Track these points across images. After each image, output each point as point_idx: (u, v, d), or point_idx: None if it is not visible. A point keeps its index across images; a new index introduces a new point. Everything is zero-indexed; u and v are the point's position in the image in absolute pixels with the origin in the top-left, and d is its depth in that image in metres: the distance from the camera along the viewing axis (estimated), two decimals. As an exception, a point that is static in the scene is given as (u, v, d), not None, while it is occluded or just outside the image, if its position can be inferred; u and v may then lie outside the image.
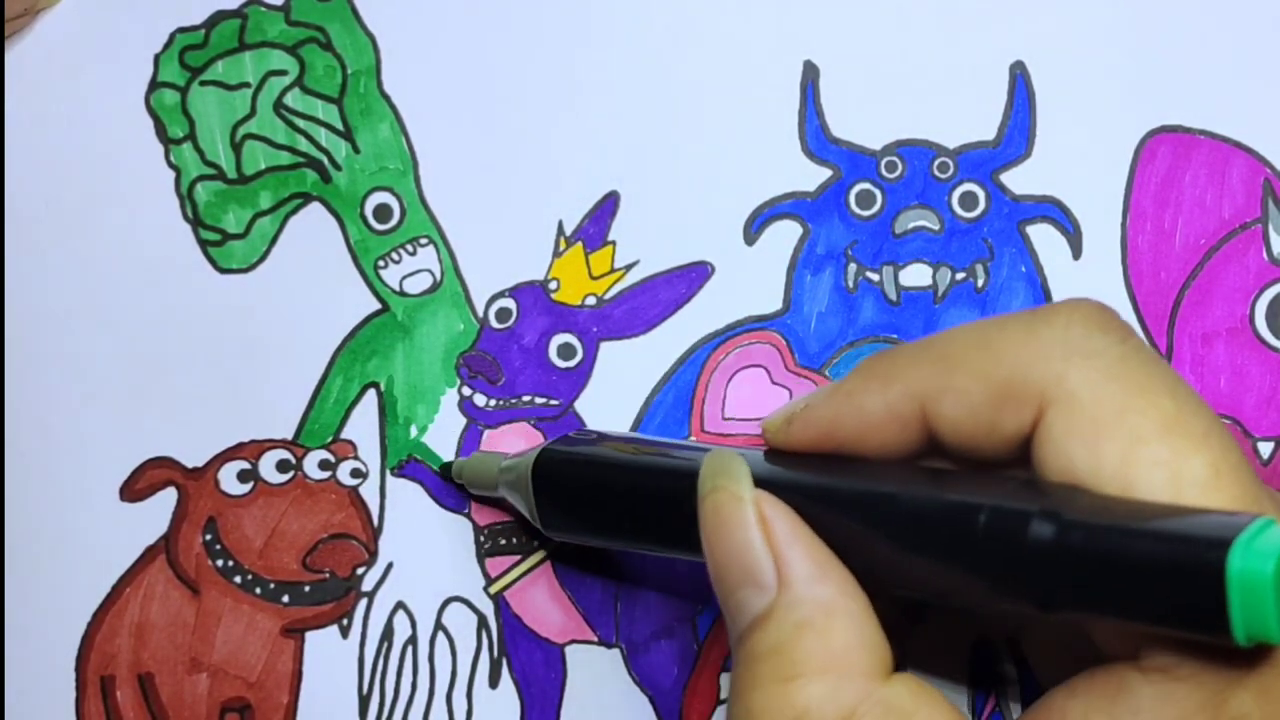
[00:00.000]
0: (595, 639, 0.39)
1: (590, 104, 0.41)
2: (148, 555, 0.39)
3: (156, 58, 0.41)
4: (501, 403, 0.40)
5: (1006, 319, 0.29)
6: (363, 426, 0.39)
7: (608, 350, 0.40)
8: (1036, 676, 0.34)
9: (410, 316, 0.40)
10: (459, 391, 0.40)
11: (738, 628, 0.29)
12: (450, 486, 0.39)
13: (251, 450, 0.39)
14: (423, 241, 0.40)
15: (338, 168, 0.40)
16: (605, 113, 0.41)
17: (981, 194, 0.40)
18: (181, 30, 0.41)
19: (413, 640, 0.39)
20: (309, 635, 0.38)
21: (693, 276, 0.40)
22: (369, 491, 0.39)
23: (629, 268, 0.40)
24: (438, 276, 0.40)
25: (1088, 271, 0.40)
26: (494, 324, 0.40)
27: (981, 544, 0.27)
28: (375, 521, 0.39)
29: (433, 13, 0.41)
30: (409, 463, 0.39)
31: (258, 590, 0.39)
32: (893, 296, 0.40)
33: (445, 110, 0.41)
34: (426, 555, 0.39)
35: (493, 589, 0.39)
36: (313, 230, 0.40)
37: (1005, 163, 0.40)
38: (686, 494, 0.31)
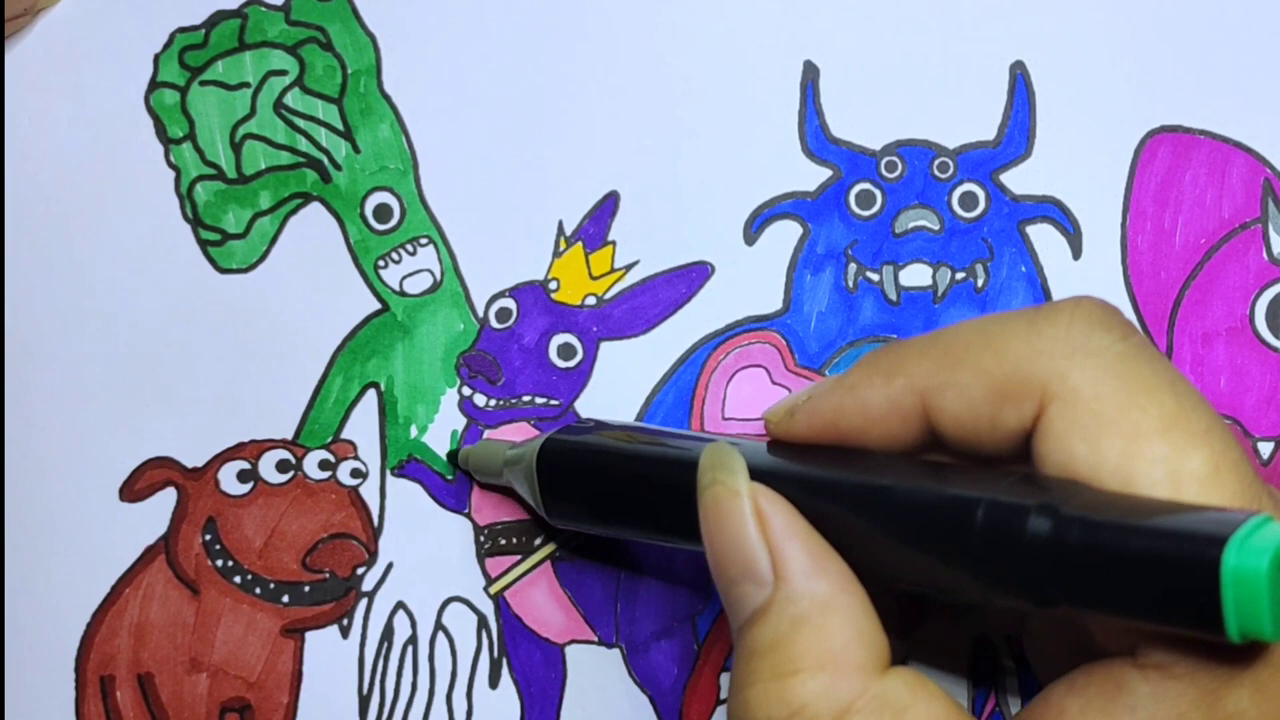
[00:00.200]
0: (595, 639, 0.39)
1: (590, 104, 0.41)
2: (147, 555, 0.39)
3: (156, 58, 0.41)
4: (501, 403, 0.40)
5: (1009, 315, 0.29)
6: (363, 426, 0.39)
7: (608, 350, 0.40)
8: (1036, 673, 0.34)
9: (410, 316, 0.40)
10: (459, 391, 0.40)
11: (737, 621, 0.29)
12: (450, 486, 0.39)
13: (251, 450, 0.39)
14: (423, 241, 0.40)
15: (338, 168, 0.40)
16: (605, 113, 0.41)
17: (981, 194, 0.40)
18: (181, 30, 0.41)
19: (413, 640, 0.39)
20: (309, 635, 0.38)
21: (693, 276, 0.40)
22: (369, 491, 0.39)
23: (629, 268, 0.40)
24: (438, 276, 0.40)
25: (1088, 271, 0.40)
26: (494, 324, 0.40)
27: (979, 538, 0.27)
28: (375, 521, 0.39)
29: (433, 13, 0.41)
30: (409, 463, 0.39)
31: (258, 590, 0.39)
32: (893, 296, 0.40)
33: (445, 110, 0.41)
34: (426, 555, 0.39)
35: (493, 589, 0.39)
36: (313, 230, 0.40)
37: (1005, 163, 0.40)
38: (692, 484, 0.31)
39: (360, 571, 0.39)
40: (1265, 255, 0.40)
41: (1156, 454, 0.26)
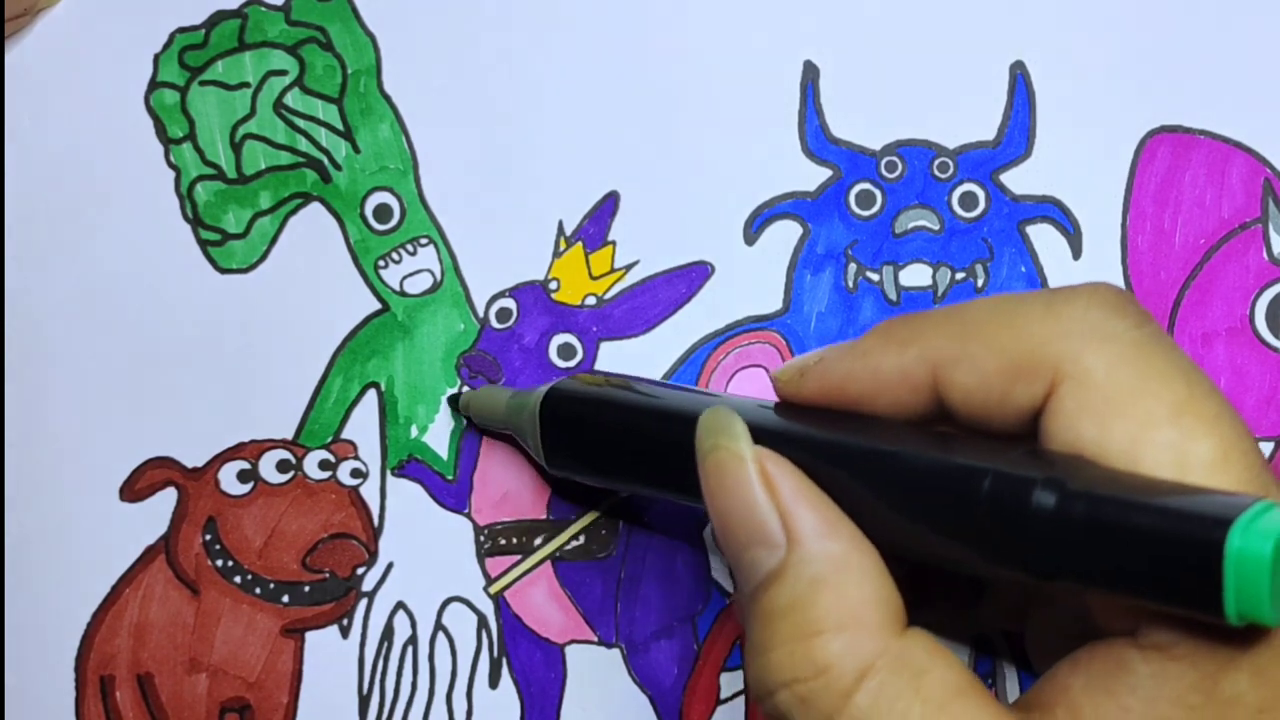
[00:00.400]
0: (595, 639, 0.39)
1: (590, 104, 0.41)
2: (147, 555, 0.39)
3: (156, 58, 0.41)
4: (501, 403, 0.40)
5: (1027, 295, 0.29)
6: (363, 426, 0.39)
7: (608, 350, 0.40)
8: (1037, 669, 0.34)
9: (410, 316, 0.40)
10: (459, 391, 0.40)
11: (749, 585, 0.29)
12: (451, 486, 0.39)
13: (251, 450, 0.39)
14: (423, 241, 0.40)
15: (338, 168, 0.40)
16: (605, 113, 0.41)
17: (981, 194, 0.40)
18: (181, 30, 0.41)
19: (413, 640, 0.39)
20: (309, 635, 0.38)
21: (693, 276, 0.40)
22: (369, 491, 0.39)
23: (629, 268, 0.40)
24: (438, 276, 0.40)
25: (1088, 271, 0.40)
26: (494, 324, 0.40)
27: (984, 508, 0.27)
28: (375, 521, 0.39)
29: (433, 13, 0.41)
30: (409, 463, 0.39)
31: (257, 590, 0.39)
32: (893, 296, 0.40)
33: (445, 110, 0.41)
34: (426, 555, 0.39)
35: (493, 589, 0.39)
36: (313, 230, 0.40)
37: (1005, 163, 0.40)
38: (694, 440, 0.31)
39: (360, 571, 0.39)
40: (1265, 255, 0.40)
41: (1165, 439, 0.26)
